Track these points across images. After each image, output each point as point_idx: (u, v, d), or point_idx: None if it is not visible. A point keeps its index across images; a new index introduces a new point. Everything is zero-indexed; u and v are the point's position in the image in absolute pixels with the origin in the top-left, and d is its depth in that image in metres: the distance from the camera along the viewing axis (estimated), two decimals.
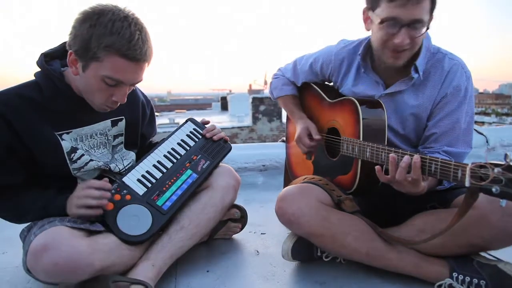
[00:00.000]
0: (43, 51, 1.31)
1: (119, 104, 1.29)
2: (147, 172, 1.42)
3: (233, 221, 1.73)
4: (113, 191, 1.30)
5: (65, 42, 1.28)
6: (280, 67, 1.91)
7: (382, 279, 1.36)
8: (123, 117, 1.46)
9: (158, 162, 1.46)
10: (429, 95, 1.41)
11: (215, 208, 1.47)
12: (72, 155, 1.31)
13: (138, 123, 1.54)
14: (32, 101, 1.24)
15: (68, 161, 1.31)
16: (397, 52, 1.31)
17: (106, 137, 1.43)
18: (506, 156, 0.87)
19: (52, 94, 1.26)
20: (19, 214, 1.30)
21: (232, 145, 1.67)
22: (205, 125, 1.66)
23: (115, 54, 1.15)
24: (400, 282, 1.33)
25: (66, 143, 1.30)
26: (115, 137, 1.46)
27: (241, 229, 1.77)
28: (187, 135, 1.59)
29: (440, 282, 1.27)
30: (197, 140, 1.59)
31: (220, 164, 1.59)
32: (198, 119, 1.70)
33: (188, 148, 1.55)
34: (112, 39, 1.13)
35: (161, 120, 19.22)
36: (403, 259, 1.33)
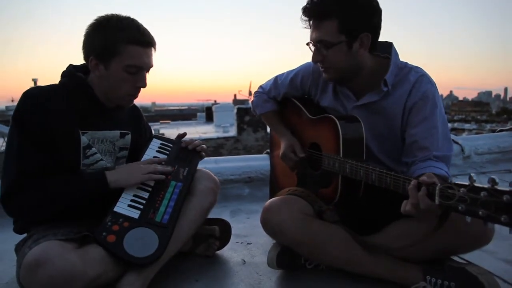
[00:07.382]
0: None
1: (140, 90, 1.46)
2: (135, 195, 1.42)
3: (214, 239, 1.73)
4: (109, 223, 1.31)
5: (83, 63, 1.47)
6: (262, 85, 1.98)
7: (362, 285, 1.44)
8: (129, 132, 1.58)
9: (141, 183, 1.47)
10: (397, 99, 1.49)
11: (194, 211, 1.51)
12: (87, 150, 1.42)
13: (140, 140, 1.66)
14: (60, 97, 1.39)
15: (82, 155, 1.40)
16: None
17: (114, 146, 1.53)
18: (470, 177, 0.95)
19: (77, 94, 1.41)
20: (53, 199, 1.33)
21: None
22: (177, 139, 1.71)
23: (131, 44, 1.36)
24: (379, 287, 1.41)
25: (84, 138, 1.42)
26: (121, 149, 1.56)
27: (221, 247, 1.77)
28: (157, 151, 1.63)
29: (415, 286, 1.35)
30: (167, 152, 1.64)
31: (199, 169, 1.64)
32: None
33: (163, 162, 1.58)
34: (126, 33, 1.35)
35: None
36: (381, 265, 1.41)
